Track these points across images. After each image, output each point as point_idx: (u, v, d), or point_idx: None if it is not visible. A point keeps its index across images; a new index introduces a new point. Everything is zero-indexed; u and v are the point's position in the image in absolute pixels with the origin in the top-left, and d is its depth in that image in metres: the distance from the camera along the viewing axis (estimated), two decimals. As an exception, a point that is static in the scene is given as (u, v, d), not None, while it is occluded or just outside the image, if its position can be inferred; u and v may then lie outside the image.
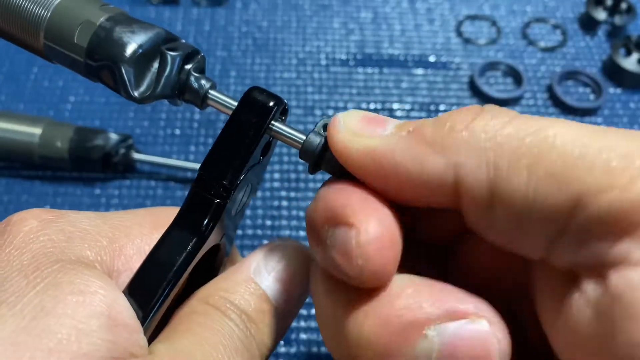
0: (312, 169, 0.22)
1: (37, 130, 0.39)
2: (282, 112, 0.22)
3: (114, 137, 0.40)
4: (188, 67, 0.22)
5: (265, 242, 0.39)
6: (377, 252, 0.16)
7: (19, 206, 0.40)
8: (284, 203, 0.40)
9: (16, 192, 0.41)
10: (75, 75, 0.47)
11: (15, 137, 0.39)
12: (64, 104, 0.46)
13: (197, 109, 0.46)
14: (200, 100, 0.22)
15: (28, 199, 0.40)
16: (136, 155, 0.41)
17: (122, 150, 0.40)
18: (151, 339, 0.20)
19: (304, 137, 0.21)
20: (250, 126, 0.21)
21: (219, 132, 0.42)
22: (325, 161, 0.21)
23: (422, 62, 0.50)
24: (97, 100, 0.46)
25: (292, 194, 0.41)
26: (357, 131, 0.18)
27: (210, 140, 0.44)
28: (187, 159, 0.42)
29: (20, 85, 0.47)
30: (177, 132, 0.44)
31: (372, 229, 0.16)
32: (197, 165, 0.40)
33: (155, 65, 0.21)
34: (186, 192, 0.41)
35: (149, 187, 0.41)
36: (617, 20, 0.51)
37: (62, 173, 0.41)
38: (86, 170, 0.41)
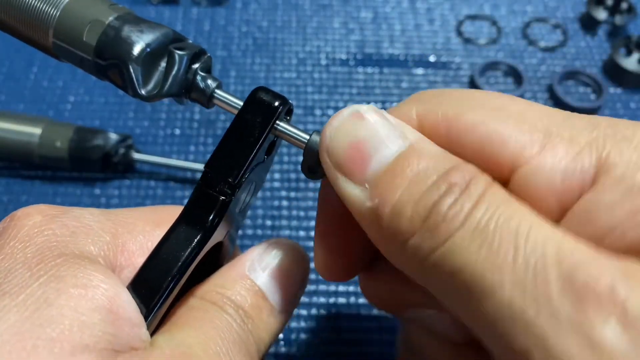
0: (313, 173, 0.22)
1: (36, 130, 0.39)
2: (287, 112, 0.22)
3: (113, 137, 0.40)
4: (195, 66, 0.22)
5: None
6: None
7: (19, 206, 0.40)
8: (284, 203, 0.40)
9: (16, 192, 0.41)
10: (75, 75, 0.47)
11: (14, 137, 0.39)
12: (63, 103, 0.46)
13: (197, 109, 0.46)
14: (207, 99, 0.22)
15: (28, 198, 0.40)
16: (136, 155, 0.41)
17: (121, 150, 0.40)
18: (153, 333, 0.20)
19: (307, 137, 0.21)
20: (256, 126, 0.21)
21: (219, 132, 0.43)
22: None
23: (422, 62, 0.50)
24: (97, 100, 0.46)
25: (292, 194, 0.41)
26: (340, 166, 0.19)
27: (210, 140, 0.44)
28: (187, 159, 0.42)
29: (20, 85, 0.47)
30: (177, 132, 0.44)
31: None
32: (197, 165, 0.40)
33: (163, 64, 0.22)
34: (186, 192, 0.41)
35: (148, 187, 0.41)
36: (618, 20, 0.51)
37: (62, 173, 0.41)
38: (86, 170, 0.41)
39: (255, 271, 0.22)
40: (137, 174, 0.42)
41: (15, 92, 0.46)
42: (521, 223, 0.16)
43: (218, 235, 0.21)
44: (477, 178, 0.17)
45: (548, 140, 0.18)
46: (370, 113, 0.19)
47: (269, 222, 0.39)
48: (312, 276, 0.37)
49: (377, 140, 0.19)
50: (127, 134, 0.41)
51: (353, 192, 0.19)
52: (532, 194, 0.18)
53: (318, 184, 0.41)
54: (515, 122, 0.18)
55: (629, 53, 0.49)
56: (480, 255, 0.16)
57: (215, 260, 0.23)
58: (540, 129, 0.18)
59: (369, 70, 0.49)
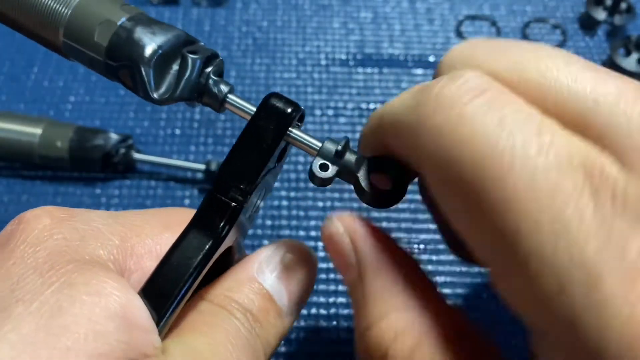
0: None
1: (37, 130, 0.39)
2: (299, 118, 0.22)
3: (114, 137, 0.40)
4: (208, 70, 0.22)
5: (265, 242, 0.39)
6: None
7: (19, 206, 0.40)
8: (284, 203, 0.40)
9: (16, 192, 0.41)
10: (76, 75, 0.47)
11: (15, 137, 0.39)
12: (64, 103, 0.46)
13: (197, 109, 0.46)
14: (219, 104, 0.22)
15: (28, 198, 0.40)
16: (136, 155, 0.41)
17: (122, 150, 0.40)
18: (163, 338, 0.20)
19: (320, 145, 0.21)
20: (269, 132, 0.21)
21: (219, 132, 0.43)
22: (340, 171, 0.21)
23: (422, 62, 0.50)
24: (98, 100, 0.46)
25: (292, 194, 0.41)
26: None
27: (211, 140, 0.44)
28: (187, 159, 0.42)
29: (21, 85, 0.47)
30: (177, 132, 0.44)
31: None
32: (197, 165, 0.40)
33: (175, 67, 0.22)
34: (186, 192, 0.41)
35: (149, 187, 0.41)
36: (617, 20, 0.51)
37: (62, 173, 0.41)
38: (86, 170, 0.41)
39: (263, 273, 0.22)
40: (138, 174, 0.42)
41: (16, 92, 0.46)
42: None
43: (228, 241, 0.21)
44: (403, 337, 0.18)
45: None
46: (336, 241, 0.22)
47: (269, 222, 0.39)
48: (312, 276, 0.37)
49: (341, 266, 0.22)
50: (127, 134, 0.41)
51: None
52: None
53: (318, 184, 0.41)
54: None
55: (628, 53, 0.49)
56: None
57: (224, 264, 0.24)
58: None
59: (369, 70, 0.49)
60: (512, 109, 0.16)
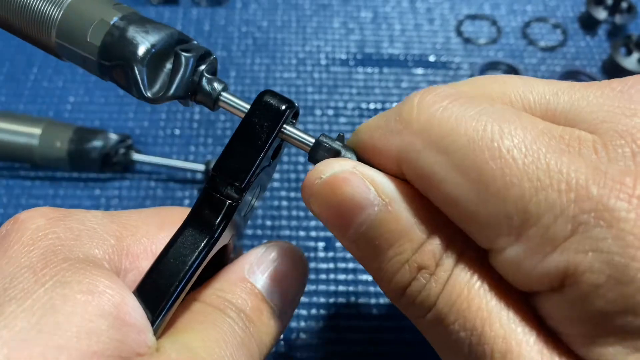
0: None
1: (36, 131, 0.39)
2: (294, 115, 0.22)
3: (113, 137, 0.40)
4: (201, 68, 0.22)
5: (264, 242, 0.39)
6: None
7: (19, 206, 0.40)
8: (284, 203, 0.40)
9: (16, 192, 0.41)
10: (75, 76, 0.47)
11: (15, 138, 0.39)
12: (63, 104, 0.46)
13: (197, 109, 0.45)
14: (213, 102, 0.22)
15: (27, 199, 0.40)
16: (136, 156, 0.41)
17: (121, 151, 0.40)
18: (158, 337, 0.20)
19: (313, 141, 0.21)
20: (263, 129, 0.21)
21: (219, 132, 0.43)
22: (337, 154, 0.21)
23: (422, 61, 0.50)
24: (97, 100, 0.46)
25: (292, 194, 0.41)
26: (326, 223, 0.20)
27: (210, 140, 0.44)
28: (187, 159, 0.42)
29: (20, 86, 0.47)
30: (177, 132, 0.44)
31: None
32: (197, 166, 0.40)
33: (168, 65, 0.21)
34: (186, 193, 0.41)
35: (148, 187, 0.41)
36: (618, 19, 0.51)
37: (62, 173, 0.41)
38: (86, 171, 0.41)
39: (254, 274, 0.22)
40: (137, 175, 0.42)
41: (15, 92, 0.46)
42: (477, 317, 0.18)
43: (224, 239, 0.21)
44: (443, 259, 0.19)
45: (522, 229, 0.17)
46: (345, 177, 0.19)
47: (269, 222, 0.39)
48: (312, 276, 0.37)
49: (354, 205, 0.19)
50: (126, 134, 0.41)
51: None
52: (502, 275, 0.18)
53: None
54: (492, 202, 0.17)
55: (629, 53, 0.49)
56: (442, 343, 0.19)
57: (220, 263, 0.23)
58: (518, 211, 0.17)
59: (369, 70, 0.49)
60: (488, 104, 0.18)
